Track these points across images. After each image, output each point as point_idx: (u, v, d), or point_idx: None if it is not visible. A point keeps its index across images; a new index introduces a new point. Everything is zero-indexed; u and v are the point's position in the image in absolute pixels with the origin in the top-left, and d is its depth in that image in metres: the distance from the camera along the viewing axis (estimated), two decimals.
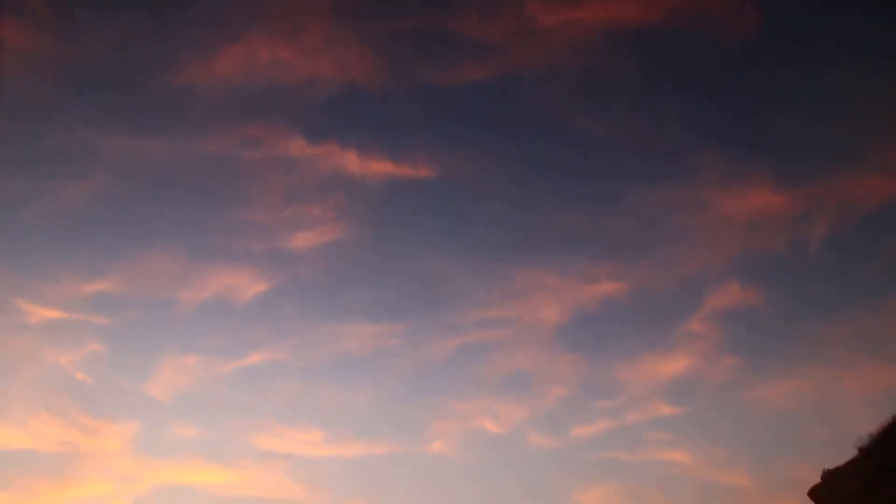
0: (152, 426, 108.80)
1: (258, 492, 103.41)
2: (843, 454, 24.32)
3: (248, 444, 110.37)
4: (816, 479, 27.26)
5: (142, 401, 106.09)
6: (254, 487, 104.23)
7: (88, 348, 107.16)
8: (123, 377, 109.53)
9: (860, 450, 23.25)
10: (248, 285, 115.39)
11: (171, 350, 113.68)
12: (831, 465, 25.57)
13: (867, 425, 23.09)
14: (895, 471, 18.21)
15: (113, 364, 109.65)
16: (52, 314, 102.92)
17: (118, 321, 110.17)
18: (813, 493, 27.55)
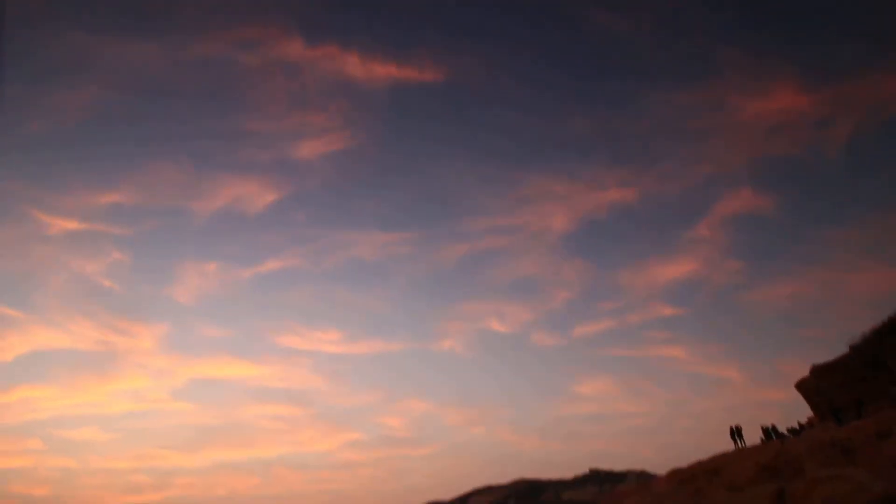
0: (180, 327, 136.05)
1: (284, 384, 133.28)
2: (835, 352, 29.57)
3: (271, 343, 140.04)
4: (806, 375, 32.70)
5: (168, 305, 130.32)
6: (280, 380, 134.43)
7: (111, 257, 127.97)
8: (148, 283, 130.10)
9: (851, 347, 28.34)
10: (257, 195, 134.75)
11: (189, 258, 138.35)
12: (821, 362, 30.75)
13: (863, 325, 27.95)
14: (881, 366, 23.32)
15: (136, 272, 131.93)
16: (71, 225, 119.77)
17: (136, 231, 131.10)
18: (800, 386, 33.40)
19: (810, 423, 30.12)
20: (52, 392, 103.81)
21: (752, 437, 31.59)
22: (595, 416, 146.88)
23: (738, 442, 31.44)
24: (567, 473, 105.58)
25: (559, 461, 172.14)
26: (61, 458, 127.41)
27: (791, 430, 29.86)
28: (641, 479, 54.20)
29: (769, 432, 30.42)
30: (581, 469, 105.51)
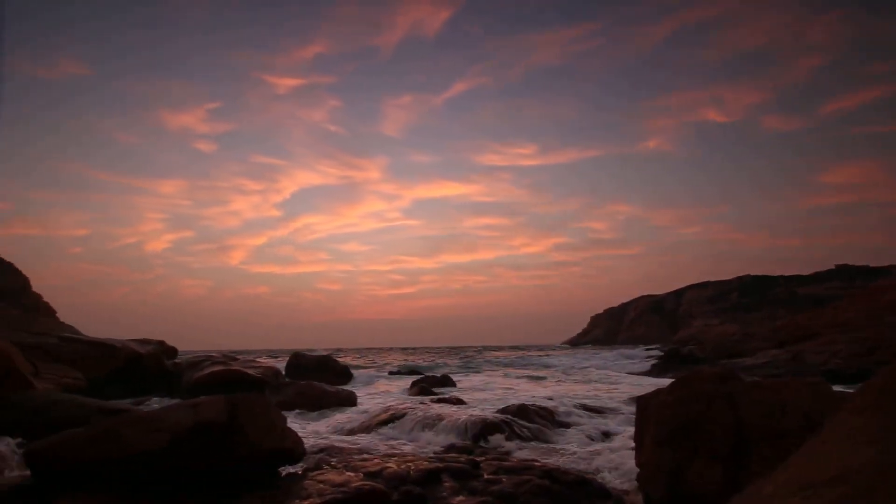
0: (395, 158, 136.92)
1: (491, 199, 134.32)
2: None
3: (472, 163, 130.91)
4: None
5: (381, 140, 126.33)
6: (486, 196, 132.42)
7: (328, 104, 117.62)
8: (361, 123, 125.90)
9: None
10: (432, 14, 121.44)
11: (387, 93, 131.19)
12: None
13: None
14: None
15: (350, 114, 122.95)
16: (293, 82, 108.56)
17: (339, 77, 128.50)
18: None
19: None
20: (321, 218, 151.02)
21: None
22: (845, 208, 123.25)
23: None
24: (804, 270, 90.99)
25: (794, 258, 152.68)
26: (342, 264, 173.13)
27: None
28: None
29: None
30: (824, 266, 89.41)
